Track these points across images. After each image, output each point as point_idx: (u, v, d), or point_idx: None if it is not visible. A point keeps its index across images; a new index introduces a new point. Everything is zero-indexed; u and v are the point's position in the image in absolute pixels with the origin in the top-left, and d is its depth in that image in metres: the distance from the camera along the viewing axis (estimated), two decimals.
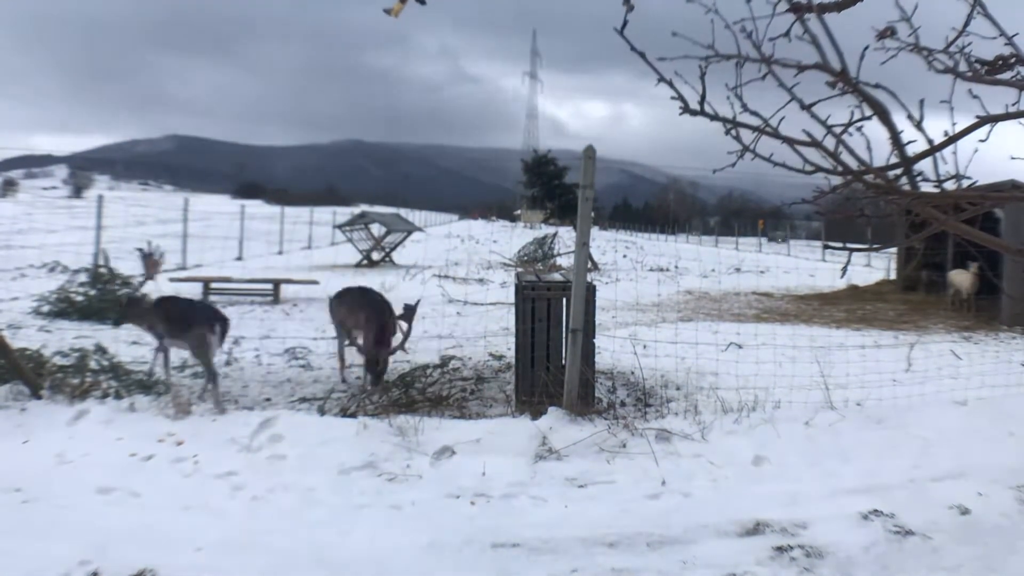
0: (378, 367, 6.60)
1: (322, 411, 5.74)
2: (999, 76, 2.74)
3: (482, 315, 11.79)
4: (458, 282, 16.82)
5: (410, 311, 6.85)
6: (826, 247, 32.38)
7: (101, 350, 6.27)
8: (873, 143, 2.81)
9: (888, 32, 2.70)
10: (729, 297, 16.16)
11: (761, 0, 2.62)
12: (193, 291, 13.46)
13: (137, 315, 6.47)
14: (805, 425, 5.35)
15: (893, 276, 18.93)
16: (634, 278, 18.56)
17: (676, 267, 23.28)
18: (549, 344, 6.15)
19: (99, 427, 5.07)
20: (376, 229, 24.11)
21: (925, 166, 2.80)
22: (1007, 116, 2.66)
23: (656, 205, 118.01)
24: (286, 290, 13.87)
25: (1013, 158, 2.64)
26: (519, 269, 19.45)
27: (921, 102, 2.69)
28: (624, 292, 14.62)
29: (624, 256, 28.69)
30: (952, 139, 2.69)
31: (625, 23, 2.70)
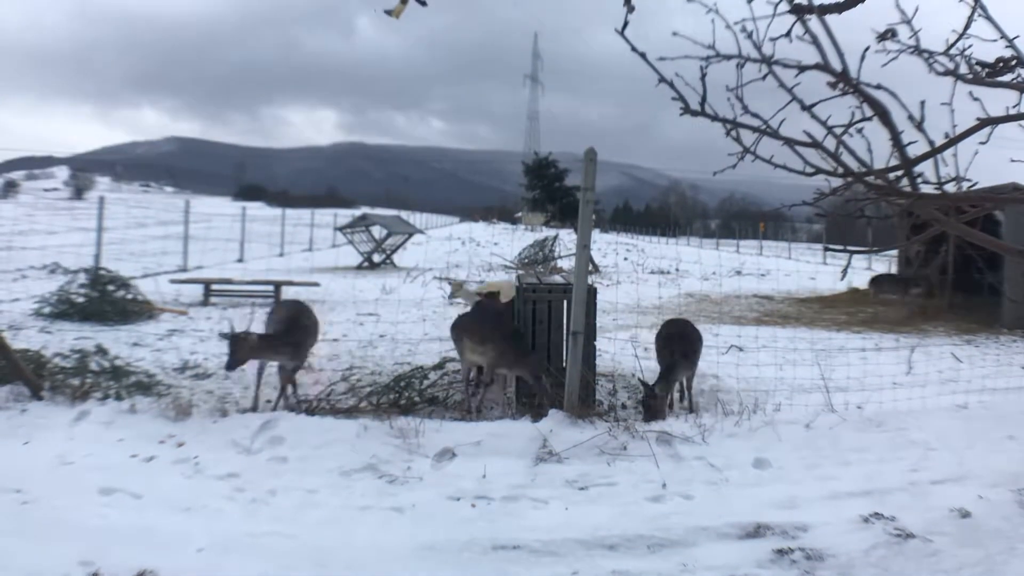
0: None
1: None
2: (1000, 78, 2.74)
3: None
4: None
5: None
6: (827, 249, 32.39)
7: (101, 351, 6.28)
8: (874, 145, 2.81)
9: (889, 34, 2.70)
10: (730, 300, 16.16)
11: (762, 0, 2.62)
12: (194, 293, 13.47)
13: None
14: (806, 428, 5.35)
15: None
16: (635, 281, 18.56)
17: (677, 270, 23.28)
18: (550, 346, 6.16)
19: (100, 428, 5.07)
20: (377, 231, 24.12)
21: (926, 168, 2.80)
22: (1008, 118, 2.66)
23: (657, 208, 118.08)
24: (287, 292, 13.86)
25: (1013, 160, 2.64)
26: (520, 271, 19.45)
27: (922, 104, 2.69)
28: (625, 295, 14.61)
29: (625, 259, 28.69)
30: (953, 141, 2.69)
31: (626, 24, 2.70)
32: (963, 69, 2.73)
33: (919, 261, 15.27)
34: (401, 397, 6.10)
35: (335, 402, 6.02)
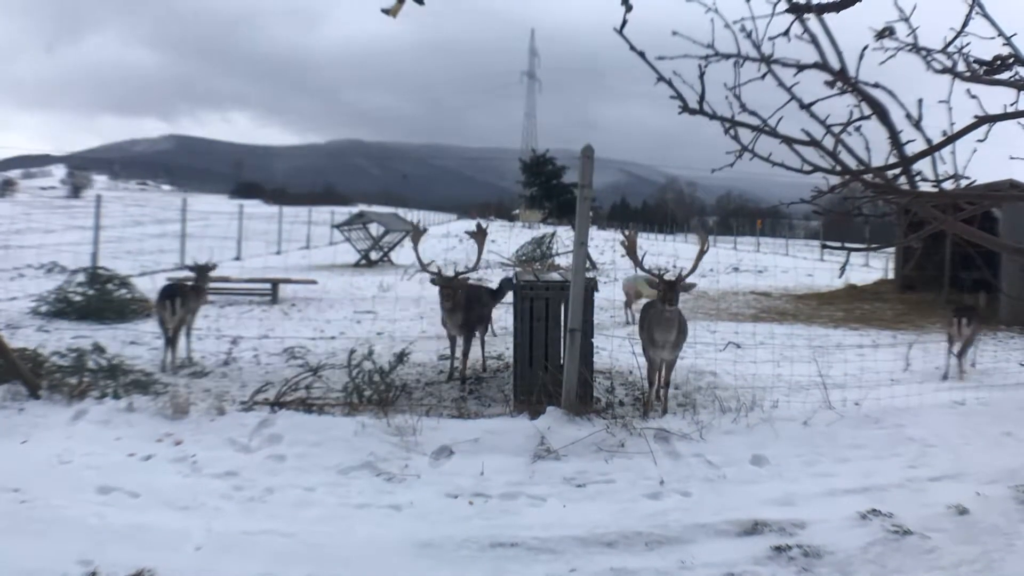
0: None
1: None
2: (997, 76, 2.74)
3: None
4: None
5: None
6: (824, 247, 32.37)
7: (99, 349, 6.26)
8: (872, 143, 2.81)
9: (887, 32, 2.70)
10: (727, 296, 16.16)
11: (760, 0, 2.62)
12: None
13: None
14: (803, 425, 5.36)
15: (891, 276, 18.94)
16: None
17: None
18: (548, 344, 6.15)
19: (97, 427, 5.06)
20: (374, 229, 24.11)
21: (924, 166, 2.80)
22: (1005, 116, 2.66)
23: (654, 205, 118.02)
24: (284, 290, 13.86)
25: (1012, 158, 2.64)
26: (518, 268, 19.43)
27: (919, 102, 2.69)
28: (622, 292, 14.59)
29: (623, 256, 28.64)
30: (951, 139, 2.69)
31: (624, 23, 2.69)
32: (961, 67, 2.73)
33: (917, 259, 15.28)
34: (375, 392, 6.03)
35: (317, 400, 5.95)
